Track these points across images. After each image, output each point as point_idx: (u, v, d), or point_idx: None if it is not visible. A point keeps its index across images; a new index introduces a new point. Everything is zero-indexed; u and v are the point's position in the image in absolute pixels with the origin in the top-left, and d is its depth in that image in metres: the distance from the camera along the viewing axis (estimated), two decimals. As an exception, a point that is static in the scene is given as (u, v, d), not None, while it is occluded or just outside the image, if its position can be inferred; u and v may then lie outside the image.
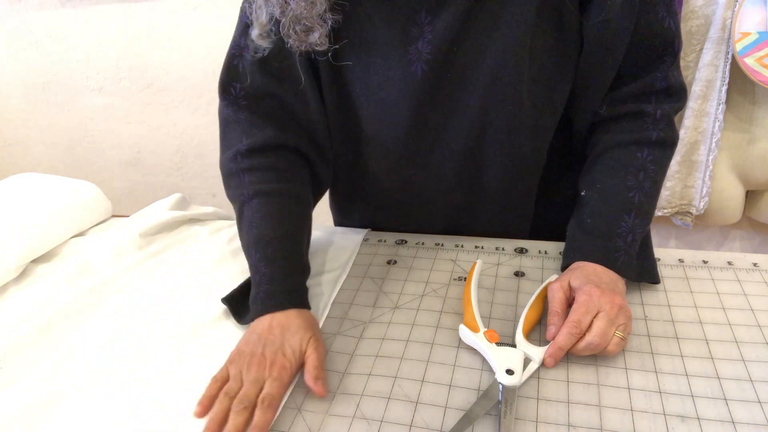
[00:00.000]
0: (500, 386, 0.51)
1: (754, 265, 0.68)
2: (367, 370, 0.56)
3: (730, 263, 0.69)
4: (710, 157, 1.31)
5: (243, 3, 0.65)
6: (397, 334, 0.61)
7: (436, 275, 0.71)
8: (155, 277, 0.76)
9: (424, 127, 0.67)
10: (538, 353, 0.55)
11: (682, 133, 1.30)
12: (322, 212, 0.88)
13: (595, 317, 0.55)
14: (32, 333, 0.66)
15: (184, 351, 0.62)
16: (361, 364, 0.57)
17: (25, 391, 0.57)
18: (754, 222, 1.51)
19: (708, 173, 1.33)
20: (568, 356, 0.55)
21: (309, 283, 0.71)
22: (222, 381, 0.54)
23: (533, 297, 0.62)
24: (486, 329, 0.57)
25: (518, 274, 0.69)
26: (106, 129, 1.95)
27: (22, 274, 0.80)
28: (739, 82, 1.25)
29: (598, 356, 0.55)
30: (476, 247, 0.76)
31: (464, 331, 0.58)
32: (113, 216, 0.99)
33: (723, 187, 1.37)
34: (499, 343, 0.56)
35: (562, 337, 0.54)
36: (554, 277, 0.65)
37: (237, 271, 0.75)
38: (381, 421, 0.50)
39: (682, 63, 1.25)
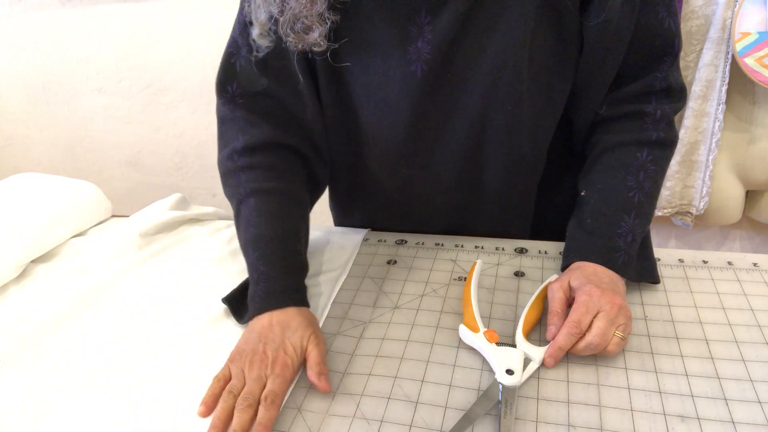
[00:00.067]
0: (500, 386, 0.51)
1: (754, 265, 0.68)
2: (367, 370, 0.56)
3: (730, 263, 0.69)
4: (710, 157, 1.31)
5: (242, 2, 0.65)
6: (397, 334, 0.61)
7: (436, 275, 0.71)
8: (155, 277, 0.76)
9: (424, 127, 0.67)
10: (538, 353, 0.55)
11: (682, 133, 1.30)
12: (322, 212, 0.88)
13: (595, 317, 0.55)
14: (32, 333, 0.66)
15: (184, 351, 0.62)
16: (361, 364, 0.57)
17: (25, 391, 0.57)
18: (754, 222, 1.51)
19: (708, 173, 1.33)
20: (568, 356, 0.55)
21: (309, 283, 0.71)
22: (224, 380, 0.54)
23: (533, 297, 0.62)
24: (486, 329, 0.57)
25: (518, 274, 0.69)
26: (106, 129, 1.95)
27: (22, 274, 0.80)
28: (739, 82, 1.25)
29: (598, 356, 0.55)
30: (476, 247, 0.76)
31: (464, 331, 0.58)
32: (113, 216, 0.99)
33: (723, 187, 1.37)
34: (499, 343, 0.56)
35: (562, 337, 0.54)
36: (554, 277, 0.65)
37: (237, 271, 0.75)
38: (381, 421, 0.50)
39: (682, 63, 1.26)
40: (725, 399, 0.50)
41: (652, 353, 0.55)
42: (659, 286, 0.65)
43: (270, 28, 0.61)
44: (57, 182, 0.98)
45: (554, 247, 0.74)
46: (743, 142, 1.32)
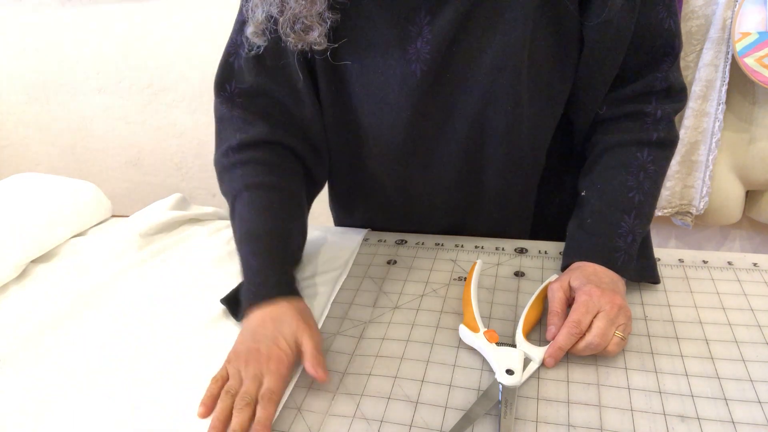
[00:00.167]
0: (500, 386, 0.51)
1: (754, 265, 0.68)
2: (367, 370, 0.56)
3: (730, 263, 0.69)
4: (710, 157, 1.31)
5: (242, 2, 0.65)
6: (397, 334, 0.61)
7: (436, 275, 0.71)
8: (155, 277, 0.76)
9: (424, 127, 0.67)
10: (538, 353, 0.55)
11: (682, 133, 1.30)
12: (322, 212, 0.88)
13: (595, 317, 0.55)
14: (32, 333, 0.66)
15: (184, 351, 0.62)
16: (361, 364, 0.57)
17: (25, 390, 0.57)
18: (754, 222, 1.51)
19: (708, 173, 1.33)
20: (568, 356, 0.55)
21: (309, 282, 0.71)
22: (222, 380, 0.54)
23: (533, 297, 0.62)
24: (486, 329, 0.57)
25: (518, 274, 0.69)
26: (106, 129, 1.95)
27: (22, 274, 0.80)
28: (739, 82, 1.25)
29: (598, 356, 0.55)
30: (476, 247, 0.76)
31: (464, 331, 0.58)
32: (113, 216, 0.99)
33: (723, 187, 1.37)
34: (499, 343, 0.56)
35: (562, 337, 0.54)
36: (554, 277, 0.65)
37: (237, 271, 0.74)
38: (381, 421, 0.50)
39: (682, 63, 1.25)
40: (725, 399, 0.50)
41: (652, 353, 0.55)
42: (659, 286, 0.65)
43: (266, 27, 0.61)
44: (57, 182, 0.98)
45: (554, 247, 0.74)
46: (743, 142, 1.32)
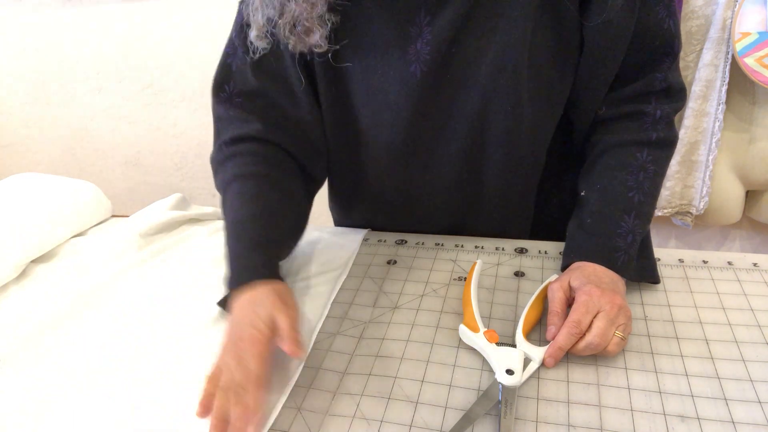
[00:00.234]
0: (500, 386, 0.51)
1: (754, 265, 0.68)
2: (367, 370, 0.56)
3: (730, 263, 0.69)
4: (710, 157, 1.31)
5: (240, 3, 0.65)
6: (397, 334, 0.61)
7: (436, 275, 0.71)
8: (155, 277, 0.76)
9: (424, 128, 0.67)
10: (538, 353, 0.55)
11: (682, 133, 1.30)
12: (322, 212, 0.88)
13: (595, 317, 0.55)
14: (32, 333, 0.66)
15: (184, 351, 0.62)
16: (361, 364, 0.57)
17: (25, 390, 0.57)
18: (754, 222, 1.51)
19: (708, 173, 1.33)
20: (568, 356, 0.55)
21: (309, 282, 0.71)
22: (216, 378, 0.54)
23: (533, 297, 0.62)
24: (486, 329, 0.57)
25: (518, 274, 0.69)
26: (106, 129, 1.95)
27: (22, 274, 0.80)
28: (739, 82, 1.25)
29: (598, 356, 0.55)
30: (476, 247, 0.76)
31: (464, 331, 0.58)
32: (113, 216, 0.99)
33: (723, 187, 1.37)
34: (499, 343, 0.56)
35: (562, 337, 0.54)
36: (554, 277, 0.65)
37: (237, 271, 0.75)
38: (381, 421, 0.50)
39: (682, 63, 1.26)
40: (725, 399, 0.50)
41: (652, 353, 0.55)
42: (659, 286, 0.65)
43: (267, 30, 0.61)
44: (57, 182, 0.98)
45: (554, 247, 0.74)
46: (743, 142, 1.32)
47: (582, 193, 0.68)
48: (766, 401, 0.49)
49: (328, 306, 0.66)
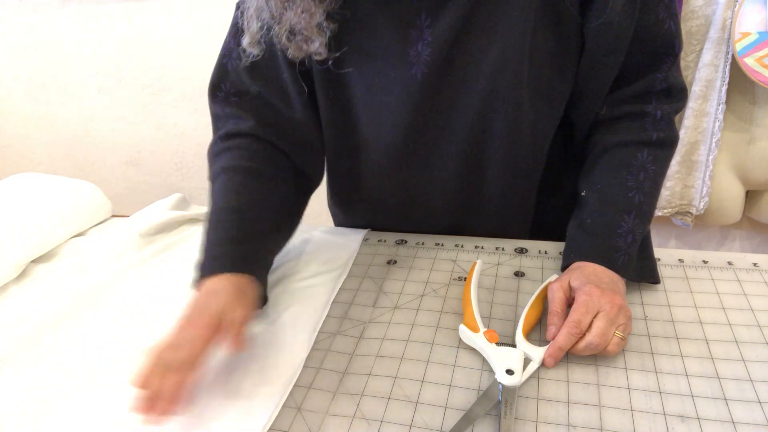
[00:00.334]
0: (500, 386, 0.51)
1: (754, 265, 0.68)
2: (367, 370, 0.56)
3: (730, 263, 0.69)
4: (710, 157, 1.31)
5: (237, 5, 0.65)
6: (397, 334, 0.61)
7: (436, 275, 0.71)
8: (155, 278, 0.76)
9: (424, 130, 0.67)
10: (538, 353, 0.55)
11: (682, 133, 1.30)
12: (322, 212, 0.88)
13: (595, 317, 0.55)
14: (32, 333, 0.66)
15: (184, 351, 0.61)
16: (361, 364, 0.57)
17: (25, 390, 0.57)
18: (754, 222, 1.51)
19: (708, 173, 1.33)
20: (568, 356, 0.55)
21: (309, 282, 0.71)
22: (155, 351, 0.54)
23: (533, 297, 0.62)
24: (486, 329, 0.57)
25: (518, 274, 0.70)
26: (106, 129, 1.95)
27: (22, 274, 0.80)
28: (739, 82, 1.25)
29: (598, 356, 0.55)
30: (476, 247, 0.76)
31: (464, 331, 0.58)
32: (113, 216, 0.99)
33: (723, 187, 1.37)
34: (499, 343, 0.56)
35: (562, 337, 0.54)
36: (554, 277, 0.65)
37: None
38: (381, 421, 0.50)
39: (682, 63, 1.25)
40: (725, 399, 0.50)
41: (652, 353, 0.55)
42: (659, 286, 0.65)
43: (261, 37, 0.62)
44: (57, 182, 0.98)
45: (554, 247, 0.74)
46: (743, 142, 1.32)
47: (582, 193, 0.68)
48: (766, 401, 0.49)
49: (328, 306, 0.66)
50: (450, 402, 0.52)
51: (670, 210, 1.40)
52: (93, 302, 0.71)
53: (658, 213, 1.41)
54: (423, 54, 0.61)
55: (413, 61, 0.61)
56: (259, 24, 0.61)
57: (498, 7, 0.58)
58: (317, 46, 0.60)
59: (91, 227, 0.94)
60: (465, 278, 0.69)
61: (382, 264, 0.74)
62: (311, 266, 0.74)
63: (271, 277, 0.71)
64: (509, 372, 0.52)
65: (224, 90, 0.69)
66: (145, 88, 1.81)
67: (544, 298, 0.62)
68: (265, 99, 0.69)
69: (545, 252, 0.73)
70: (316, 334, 0.61)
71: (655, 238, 1.17)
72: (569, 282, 0.59)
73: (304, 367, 0.57)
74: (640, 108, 0.66)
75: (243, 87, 0.68)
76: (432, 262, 0.73)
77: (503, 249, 0.75)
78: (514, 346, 0.56)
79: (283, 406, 0.53)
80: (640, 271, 0.64)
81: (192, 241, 0.85)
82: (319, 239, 0.81)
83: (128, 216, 0.94)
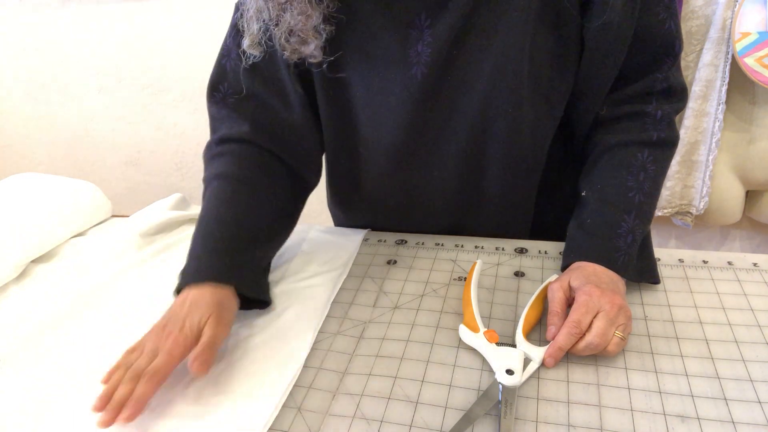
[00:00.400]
0: (500, 386, 0.51)
1: (754, 265, 0.68)
2: (367, 370, 0.56)
3: (730, 263, 0.69)
4: (710, 157, 1.31)
5: (236, 6, 0.65)
6: (397, 334, 0.61)
7: (436, 275, 0.71)
8: (155, 278, 0.76)
9: (424, 130, 0.67)
10: (538, 353, 0.55)
11: (682, 133, 1.30)
12: (322, 212, 0.88)
13: (595, 317, 0.55)
14: (32, 333, 0.66)
15: (184, 351, 0.61)
16: (361, 364, 0.57)
17: (25, 390, 0.57)
18: (754, 222, 1.51)
19: (708, 173, 1.33)
20: (568, 356, 0.55)
21: (309, 282, 0.71)
22: (129, 353, 0.55)
23: (533, 297, 0.62)
24: (486, 329, 0.57)
25: (518, 274, 0.70)
26: (106, 129, 1.95)
27: (22, 274, 0.80)
28: (739, 82, 1.25)
29: (598, 356, 0.55)
30: (476, 247, 0.76)
31: (464, 331, 0.58)
32: (113, 216, 0.99)
33: (723, 187, 1.37)
34: (499, 343, 0.56)
35: (562, 337, 0.54)
36: (554, 277, 0.65)
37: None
38: (381, 421, 0.50)
39: (682, 63, 1.25)
40: (725, 399, 0.50)
41: (652, 353, 0.55)
42: (659, 286, 0.65)
43: (262, 38, 0.62)
44: (57, 182, 0.98)
45: (554, 247, 0.74)
46: (743, 142, 1.32)
47: (582, 193, 0.68)
48: (766, 401, 0.49)
49: (328, 306, 0.66)
50: (450, 402, 0.52)
51: (670, 210, 1.40)
52: (93, 302, 0.71)
53: (658, 213, 1.41)
54: (423, 54, 0.61)
55: (413, 61, 0.61)
56: (259, 25, 0.61)
57: (498, 8, 0.58)
58: (312, 49, 0.60)
59: (91, 227, 0.94)
60: (465, 278, 0.69)
61: (382, 264, 0.74)
62: (311, 266, 0.74)
63: (271, 277, 0.71)
64: (509, 372, 0.52)
65: (222, 91, 0.69)
66: (145, 88, 1.81)
67: (544, 298, 0.62)
68: (263, 100, 0.69)
69: (545, 252, 0.73)
70: (316, 334, 0.61)
71: (655, 238, 1.17)
72: (569, 282, 0.59)
73: (304, 367, 0.57)
74: (640, 108, 0.66)
75: (240, 88, 0.68)
76: (432, 262, 0.73)
77: (503, 249, 0.75)
78: (514, 346, 0.56)
79: (283, 406, 0.53)
80: (640, 271, 0.64)
81: (192, 241, 0.85)
82: (319, 239, 0.81)
83: (128, 216, 0.94)
